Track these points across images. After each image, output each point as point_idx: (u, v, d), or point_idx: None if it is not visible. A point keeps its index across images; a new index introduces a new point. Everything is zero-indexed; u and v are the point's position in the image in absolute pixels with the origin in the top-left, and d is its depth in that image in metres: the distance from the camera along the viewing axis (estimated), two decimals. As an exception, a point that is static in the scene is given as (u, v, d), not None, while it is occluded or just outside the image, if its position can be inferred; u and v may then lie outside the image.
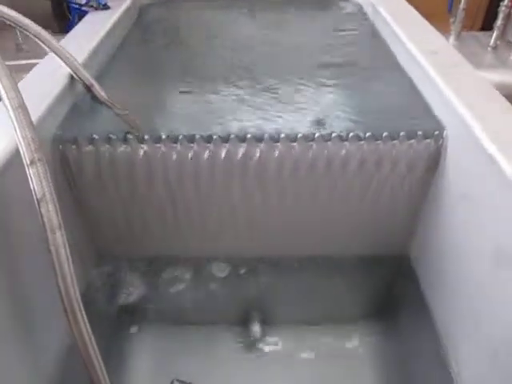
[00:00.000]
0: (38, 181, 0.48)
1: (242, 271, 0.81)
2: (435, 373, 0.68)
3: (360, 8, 1.17)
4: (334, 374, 0.79)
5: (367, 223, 0.74)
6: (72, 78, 0.71)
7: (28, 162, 0.49)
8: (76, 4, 1.03)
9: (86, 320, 0.52)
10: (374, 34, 1.00)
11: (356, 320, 0.86)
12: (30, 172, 0.48)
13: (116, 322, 0.78)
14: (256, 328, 0.84)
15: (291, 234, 0.75)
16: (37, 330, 0.60)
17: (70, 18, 1.07)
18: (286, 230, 0.74)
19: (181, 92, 0.77)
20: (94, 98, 0.71)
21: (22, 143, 0.49)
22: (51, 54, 0.69)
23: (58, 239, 0.49)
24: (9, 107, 0.50)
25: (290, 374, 0.78)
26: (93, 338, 0.53)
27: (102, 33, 0.88)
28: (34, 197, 0.48)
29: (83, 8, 1.02)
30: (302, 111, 0.70)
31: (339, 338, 0.84)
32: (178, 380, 0.74)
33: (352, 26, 1.06)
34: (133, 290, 0.78)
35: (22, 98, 0.51)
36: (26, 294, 0.58)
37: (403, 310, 0.81)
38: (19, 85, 0.68)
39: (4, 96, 0.50)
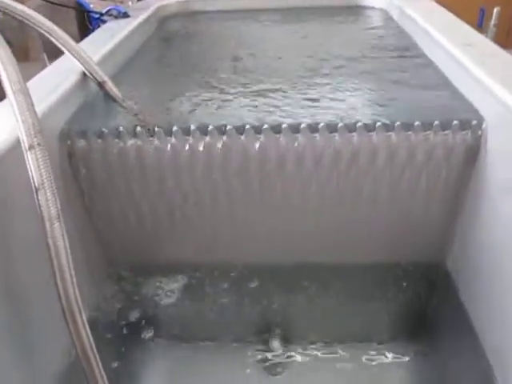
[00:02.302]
0: (36, 167, 0.45)
1: (261, 281, 0.74)
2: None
3: (385, 13, 1.13)
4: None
5: (398, 226, 0.67)
6: (85, 75, 0.69)
7: (27, 147, 0.45)
8: (96, 13, 1.03)
9: (86, 322, 0.47)
10: (401, 33, 0.96)
11: (387, 337, 0.78)
12: (29, 157, 0.45)
13: (126, 336, 0.72)
14: (276, 345, 0.77)
15: (313, 237, 0.69)
16: (36, 341, 0.56)
17: (91, 27, 1.08)
18: (308, 232, 0.68)
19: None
20: (107, 95, 0.69)
21: (22, 127, 0.46)
22: (67, 54, 0.68)
23: (57, 231, 0.45)
24: (9, 91, 0.47)
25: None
26: (93, 344, 0.48)
27: (120, 37, 0.87)
28: (32, 184, 0.45)
29: (103, 17, 1.02)
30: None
31: (368, 360, 0.76)
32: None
33: (379, 30, 1.02)
34: (144, 302, 0.73)
35: (24, 83, 0.49)
36: (25, 299, 0.53)
37: (441, 326, 0.73)
38: (31, 81, 0.68)
39: (5, 79, 0.48)
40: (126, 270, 0.72)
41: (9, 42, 0.55)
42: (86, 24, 1.16)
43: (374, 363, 0.75)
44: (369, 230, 0.68)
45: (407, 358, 0.75)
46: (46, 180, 0.45)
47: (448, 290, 0.70)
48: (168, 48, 1.01)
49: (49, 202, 0.45)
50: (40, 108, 0.56)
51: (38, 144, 0.45)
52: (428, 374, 0.73)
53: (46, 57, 1.82)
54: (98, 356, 0.49)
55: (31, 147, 0.45)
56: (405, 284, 0.73)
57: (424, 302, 0.74)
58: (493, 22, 1.94)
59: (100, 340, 0.50)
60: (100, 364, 0.49)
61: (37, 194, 0.45)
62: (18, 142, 0.46)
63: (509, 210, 0.54)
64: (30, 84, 0.66)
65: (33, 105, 0.47)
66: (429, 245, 0.70)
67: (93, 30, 1.07)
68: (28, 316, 0.54)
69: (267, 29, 1.10)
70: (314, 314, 0.77)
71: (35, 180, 0.45)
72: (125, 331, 0.71)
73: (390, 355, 0.76)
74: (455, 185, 0.62)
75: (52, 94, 0.61)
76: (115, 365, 0.67)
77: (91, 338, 0.48)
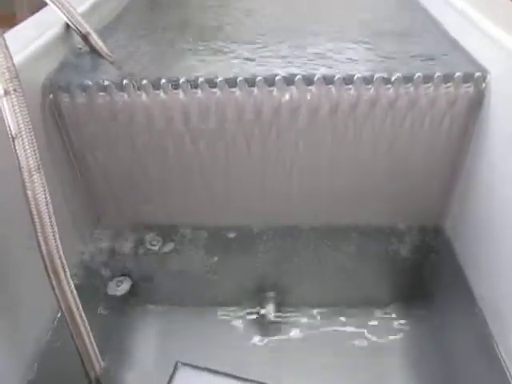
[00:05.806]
0: (12, 114, 0.42)
1: (256, 243, 0.72)
2: (482, 365, 0.58)
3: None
4: (357, 369, 0.69)
5: (396, 186, 0.65)
6: (68, 27, 0.65)
7: (2, 93, 0.42)
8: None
9: (71, 280, 0.45)
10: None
11: (384, 302, 0.77)
12: (4, 104, 0.42)
13: (117, 298, 0.71)
14: (270, 309, 0.76)
15: (307, 198, 0.67)
16: (20, 300, 0.54)
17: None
18: (302, 193, 0.66)
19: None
20: (92, 48, 0.65)
21: (-4, 71, 0.43)
22: (50, 5, 0.64)
23: (36, 182, 0.43)
24: (-19, 33, 0.44)
25: (305, 364, 0.69)
26: (79, 302, 0.46)
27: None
28: (9, 133, 0.42)
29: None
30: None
31: (365, 324, 0.75)
32: (182, 362, 0.66)
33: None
34: (134, 264, 0.71)
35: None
36: (6, 256, 0.51)
37: (439, 289, 0.71)
38: (9, 32, 0.64)
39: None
40: (115, 228, 0.69)
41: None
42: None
43: (370, 327, 0.75)
44: (365, 191, 0.65)
45: (405, 322, 0.75)
46: (23, 128, 0.42)
47: (446, 253, 0.69)
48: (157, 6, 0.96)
49: (27, 151, 0.42)
50: (19, 58, 0.53)
51: (14, 90, 0.42)
52: (426, 337, 0.72)
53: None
54: (84, 315, 0.47)
55: (7, 93, 0.42)
56: (402, 247, 0.72)
57: (422, 266, 0.73)
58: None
59: (86, 299, 0.48)
60: (86, 323, 0.47)
61: (14, 143, 0.42)
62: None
63: (511, 168, 0.52)
64: (8, 35, 0.62)
65: (7, 47, 0.44)
66: (427, 207, 0.68)
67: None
68: (10, 274, 0.52)
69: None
70: (309, 277, 0.75)
71: (11, 128, 0.42)
72: (112, 291, 0.69)
73: (387, 319, 0.75)
74: (456, 141, 0.59)
75: (32, 44, 0.57)
76: (102, 325, 0.66)
77: (76, 296, 0.46)
